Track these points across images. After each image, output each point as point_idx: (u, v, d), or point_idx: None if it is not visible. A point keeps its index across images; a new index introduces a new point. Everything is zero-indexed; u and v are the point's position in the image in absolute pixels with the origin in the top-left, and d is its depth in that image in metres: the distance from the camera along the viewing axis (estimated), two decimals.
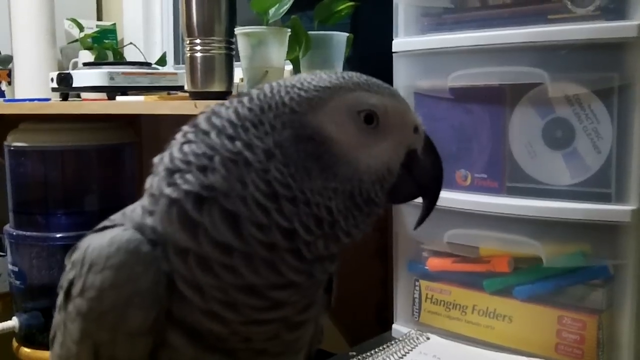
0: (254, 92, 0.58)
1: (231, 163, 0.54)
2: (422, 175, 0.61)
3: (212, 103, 0.60)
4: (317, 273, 0.57)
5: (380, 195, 0.58)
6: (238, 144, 0.54)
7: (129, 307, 0.54)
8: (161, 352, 0.56)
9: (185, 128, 0.58)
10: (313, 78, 0.58)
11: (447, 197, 1.07)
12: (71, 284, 0.58)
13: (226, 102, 0.59)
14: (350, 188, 0.56)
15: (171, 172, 0.55)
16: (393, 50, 1.13)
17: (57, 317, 0.61)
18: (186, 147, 0.56)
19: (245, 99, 0.57)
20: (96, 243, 0.56)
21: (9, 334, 1.80)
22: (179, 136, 0.58)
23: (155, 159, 0.58)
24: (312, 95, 0.56)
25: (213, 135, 0.55)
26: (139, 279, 0.54)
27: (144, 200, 0.58)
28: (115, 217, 0.60)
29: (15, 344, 1.82)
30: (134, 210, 0.58)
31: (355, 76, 0.59)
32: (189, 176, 0.54)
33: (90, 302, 0.55)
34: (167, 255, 0.54)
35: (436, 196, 0.63)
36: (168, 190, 0.55)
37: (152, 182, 0.57)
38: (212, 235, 0.53)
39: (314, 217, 0.55)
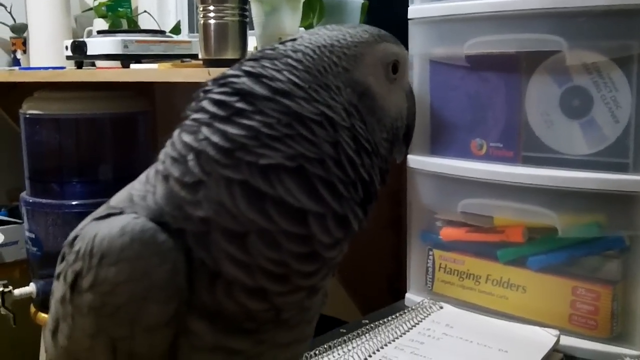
0: (295, 54, 0.55)
1: (316, 125, 0.52)
2: (410, 117, 0.64)
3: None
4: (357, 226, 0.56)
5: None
6: (318, 105, 0.53)
7: (147, 302, 0.51)
8: (181, 340, 0.53)
9: (212, 101, 0.53)
10: (344, 33, 0.58)
11: (462, 167, 1.07)
12: (77, 275, 0.53)
13: (253, 65, 0.55)
14: (392, 138, 0.60)
15: (228, 151, 0.51)
16: (408, 17, 1.11)
17: (60, 308, 0.56)
18: (245, 121, 0.51)
19: (291, 61, 0.54)
20: (104, 232, 0.52)
21: (27, 299, 1.84)
22: (204, 114, 0.53)
23: (179, 150, 0.53)
24: (354, 52, 0.57)
25: (283, 99, 0.52)
26: (156, 271, 0.50)
27: (158, 188, 0.53)
28: (119, 203, 0.55)
29: (33, 309, 1.85)
30: (145, 198, 0.54)
31: (371, 28, 0.61)
32: (263, 150, 0.50)
33: (104, 296, 0.52)
34: (195, 240, 0.51)
35: (412, 134, 0.67)
36: (228, 172, 0.50)
37: (181, 171, 0.52)
38: (287, 204, 0.50)
39: (379, 168, 0.57)
